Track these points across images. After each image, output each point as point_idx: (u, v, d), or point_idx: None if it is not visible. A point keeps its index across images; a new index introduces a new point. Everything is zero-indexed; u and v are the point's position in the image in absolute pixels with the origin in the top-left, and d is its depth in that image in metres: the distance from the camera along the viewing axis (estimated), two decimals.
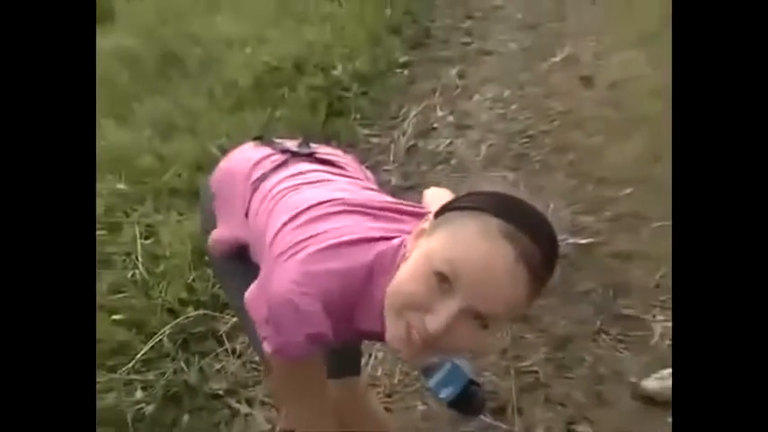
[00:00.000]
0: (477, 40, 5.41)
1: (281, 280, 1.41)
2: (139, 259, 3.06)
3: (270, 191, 1.67)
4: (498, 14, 6.02)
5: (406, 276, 1.34)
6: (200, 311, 2.85)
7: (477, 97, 4.40)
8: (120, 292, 2.90)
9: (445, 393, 1.59)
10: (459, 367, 1.57)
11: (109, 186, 3.54)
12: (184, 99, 4.36)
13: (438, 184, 3.63)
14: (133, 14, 5.82)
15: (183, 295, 2.90)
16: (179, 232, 3.16)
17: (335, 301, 1.41)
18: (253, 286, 1.53)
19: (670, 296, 2.91)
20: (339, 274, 1.41)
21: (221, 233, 1.83)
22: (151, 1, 6.12)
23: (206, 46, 5.11)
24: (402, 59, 5.18)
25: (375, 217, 1.55)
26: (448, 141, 4.02)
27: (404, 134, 3.95)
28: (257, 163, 1.77)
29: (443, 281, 1.29)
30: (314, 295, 1.38)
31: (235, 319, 2.81)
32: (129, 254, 3.12)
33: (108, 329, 2.68)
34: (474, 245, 1.29)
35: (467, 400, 1.59)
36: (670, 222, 3.25)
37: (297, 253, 1.43)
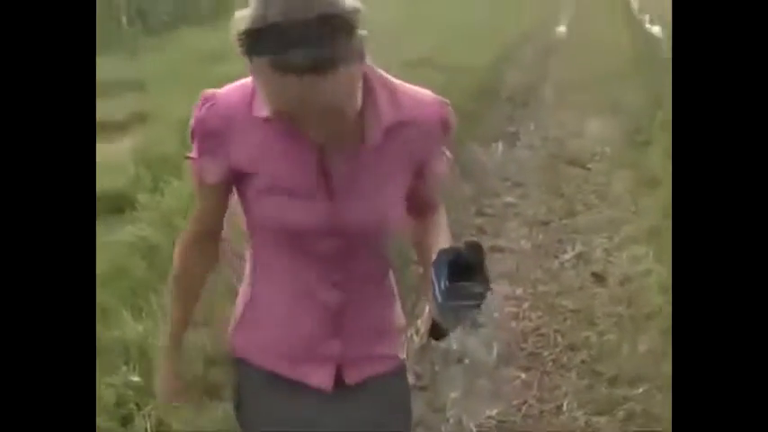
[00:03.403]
0: (490, 238, 5.50)
1: None
2: None
3: None
4: (510, 211, 6.14)
5: None
6: None
7: (489, 295, 4.43)
8: None
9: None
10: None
11: (122, 378, 3.55)
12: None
13: (451, 384, 3.67)
14: (155, 205, 5.95)
15: None
16: (190, 425, 3.15)
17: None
18: None
19: None
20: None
21: None
22: (171, 191, 6.26)
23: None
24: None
25: None
26: (460, 340, 4.04)
27: (417, 332, 3.98)
28: None
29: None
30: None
31: None
32: None
33: None
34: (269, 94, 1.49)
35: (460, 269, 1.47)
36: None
37: None
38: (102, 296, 4.28)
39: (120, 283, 4.51)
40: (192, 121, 1.70)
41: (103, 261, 4.57)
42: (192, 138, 1.71)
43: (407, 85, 1.76)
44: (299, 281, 1.80)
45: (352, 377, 1.88)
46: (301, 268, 1.79)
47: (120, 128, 8.42)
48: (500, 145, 7.97)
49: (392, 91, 1.71)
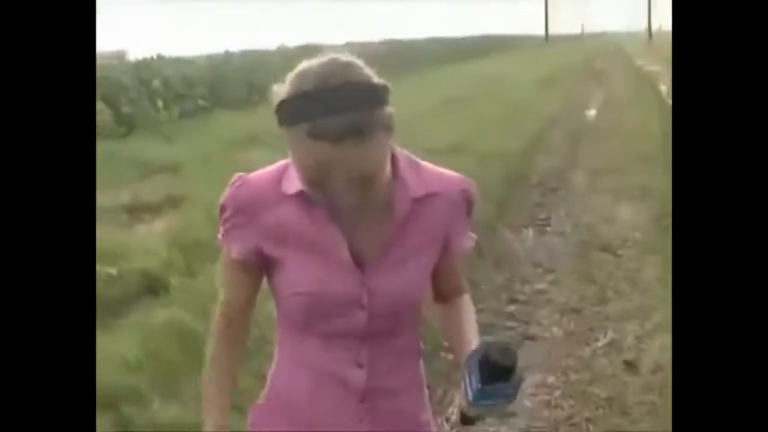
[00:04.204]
0: (522, 325, 5.49)
1: None
2: None
3: None
4: (542, 298, 6.12)
5: None
6: None
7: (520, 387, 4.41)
8: None
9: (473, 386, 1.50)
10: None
11: None
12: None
13: None
14: (188, 289, 5.97)
15: None
16: None
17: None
18: None
19: None
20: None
21: None
22: (204, 275, 6.30)
23: (261, 327, 5.22)
24: None
25: None
26: (493, 429, 4.01)
27: (447, 421, 3.97)
28: None
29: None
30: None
31: None
32: None
33: None
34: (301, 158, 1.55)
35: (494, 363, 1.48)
36: None
37: None
38: (134, 378, 4.31)
39: (152, 365, 4.53)
40: (221, 200, 1.75)
41: (135, 343, 4.62)
42: (221, 215, 1.75)
43: (428, 163, 1.81)
44: (323, 365, 1.78)
45: None
46: (326, 350, 1.77)
47: (154, 210, 8.53)
48: (531, 231, 8.00)
49: (416, 167, 1.76)
